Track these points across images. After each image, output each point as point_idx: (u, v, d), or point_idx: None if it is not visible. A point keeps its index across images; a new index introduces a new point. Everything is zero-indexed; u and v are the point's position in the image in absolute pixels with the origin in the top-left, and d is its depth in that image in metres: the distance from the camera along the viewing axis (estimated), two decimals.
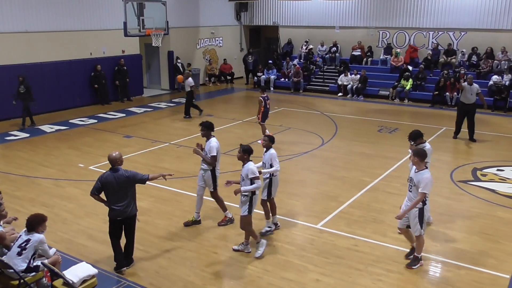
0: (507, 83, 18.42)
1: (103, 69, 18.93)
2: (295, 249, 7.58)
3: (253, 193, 7.08)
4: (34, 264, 5.98)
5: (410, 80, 20.00)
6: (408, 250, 7.29)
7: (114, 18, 19.10)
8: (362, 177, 10.79)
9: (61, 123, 16.13)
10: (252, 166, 7.04)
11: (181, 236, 7.98)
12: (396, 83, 20.43)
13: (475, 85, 13.94)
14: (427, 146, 7.78)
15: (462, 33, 20.75)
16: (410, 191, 6.83)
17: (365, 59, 22.72)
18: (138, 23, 18.01)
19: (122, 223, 6.80)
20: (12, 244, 6.08)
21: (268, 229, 8.03)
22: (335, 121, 16.54)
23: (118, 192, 6.58)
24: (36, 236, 5.93)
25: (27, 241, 5.91)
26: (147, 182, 6.89)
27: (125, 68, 19.63)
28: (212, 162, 7.95)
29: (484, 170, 11.32)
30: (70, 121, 16.48)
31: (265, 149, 7.89)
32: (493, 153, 12.85)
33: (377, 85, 21.18)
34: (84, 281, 6.02)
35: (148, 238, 7.93)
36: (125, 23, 17.37)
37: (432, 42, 21.41)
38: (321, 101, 20.49)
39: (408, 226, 7.00)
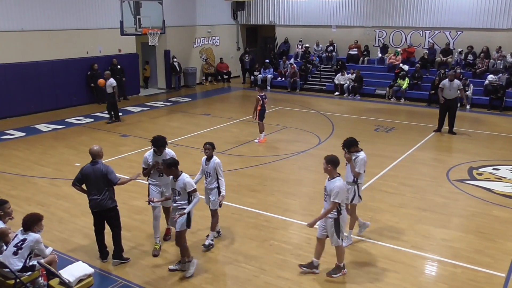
0: (503, 82, 18.49)
1: (100, 68, 18.85)
2: (291, 248, 7.58)
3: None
4: (30, 263, 5.97)
5: (407, 79, 20.04)
6: (335, 265, 6.80)
7: (111, 17, 19.08)
8: None
9: (57, 122, 16.08)
10: (188, 179, 6.48)
11: None
12: (393, 82, 20.47)
13: (456, 82, 14.44)
14: (361, 155, 7.36)
15: (458, 33, 20.80)
16: (326, 201, 6.53)
17: (361, 58, 22.75)
18: (134, 22, 17.98)
19: (102, 216, 7.02)
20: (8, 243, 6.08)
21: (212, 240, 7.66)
22: (332, 120, 16.56)
23: (95, 184, 6.83)
24: (32, 236, 5.92)
25: (23, 240, 5.89)
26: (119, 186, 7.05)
27: (119, 67, 19.57)
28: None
29: (480, 169, 11.36)
30: (67, 120, 16.43)
31: (205, 157, 7.42)
32: (489, 152, 12.89)
33: (373, 84, 21.21)
34: (80, 280, 6.03)
35: (145, 237, 7.92)
36: (121, 22, 17.33)
37: (429, 41, 21.46)
38: (318, 100, 20.51)
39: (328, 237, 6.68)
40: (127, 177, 7.40)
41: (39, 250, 6.02)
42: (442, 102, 14.57)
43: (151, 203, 7.08)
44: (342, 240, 6.58)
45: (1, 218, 6.37)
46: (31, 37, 16.94)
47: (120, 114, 16.42)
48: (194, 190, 6.53)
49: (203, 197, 7.59)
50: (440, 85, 14.71)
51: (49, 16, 17.41)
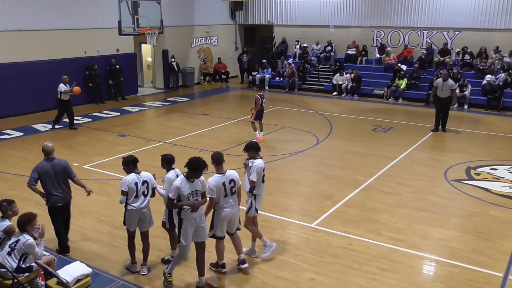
0: (500, 82, 18.53)
1: (98, 68, 18.84)
2: (289, 248, 7.58)
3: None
4: (27, 264, 5.92)
5: (405, 79, 20.07)
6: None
7: (109, 17, 19.04)
8: (356, 176, 10.81)
9: None
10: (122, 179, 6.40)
11: None
12: (391, 82, 20.50)
13: (449, 82, 14.69)
14: (257, 162, 7.01)
15: (456, 33, 20.84)
16: None
17: (359, 58, 22.77)
18: (132, 22, 17.95)
19: (61, 210, 7.21)
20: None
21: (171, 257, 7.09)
22: (330, 120, 16.57)
23: (56, 179, 7.01)
24: (24, 238, 5.84)
25: (16, 242, 5.85)
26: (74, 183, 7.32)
27: (117, 67, 19.56)
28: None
29: (478, 169, 11.38)
30: (65, 120, 16.34)
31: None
32: (486, 152, 12.92)
33: (371, 84, 21.24)
34: (78, 280, 6.01)
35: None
36: (119, 22, 17.30)
37: (426, 41, 21.49)
38: (316, 100, 20.52)
39: (230, 234, 6.83)
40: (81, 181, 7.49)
41: (33, 254, 5.91)
42: (431, 102, 15.24)
43: None
44: (213, 235, 6.63)
45: (8, 217, 6.34)
46: (29, 36, 16.90)
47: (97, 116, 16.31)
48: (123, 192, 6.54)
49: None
50: (434, 84, 14.98)
51: (47, 16, 17.36)
